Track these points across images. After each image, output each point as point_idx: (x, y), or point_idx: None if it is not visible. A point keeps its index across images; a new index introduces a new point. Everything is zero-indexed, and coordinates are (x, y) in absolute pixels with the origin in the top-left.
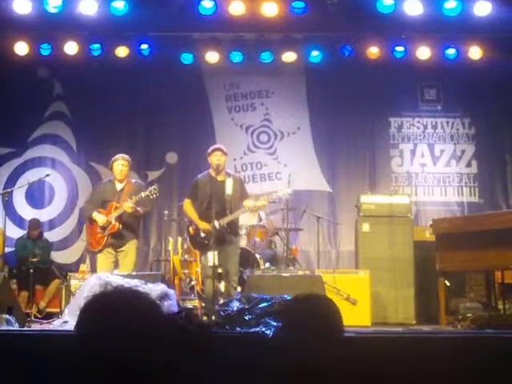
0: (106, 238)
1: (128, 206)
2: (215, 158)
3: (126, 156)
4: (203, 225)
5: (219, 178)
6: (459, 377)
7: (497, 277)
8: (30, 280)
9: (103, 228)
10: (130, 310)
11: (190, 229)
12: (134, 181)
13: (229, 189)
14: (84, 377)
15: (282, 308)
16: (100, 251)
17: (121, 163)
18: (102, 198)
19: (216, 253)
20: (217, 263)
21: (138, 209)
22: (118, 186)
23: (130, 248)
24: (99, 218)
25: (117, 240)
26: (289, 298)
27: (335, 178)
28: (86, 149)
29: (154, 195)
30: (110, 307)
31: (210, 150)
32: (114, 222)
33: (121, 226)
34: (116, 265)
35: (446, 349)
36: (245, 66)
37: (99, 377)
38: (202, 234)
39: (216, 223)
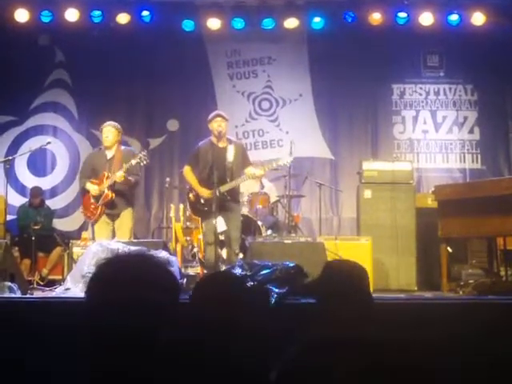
0: (100, 208)
1: (119, 175)
2: (216, 125)
3: (113, 123)
4: (203, 191)
5: (220, 145)
6: (461, 342)
7: (499, 243)
8: (32, 247)
9: (96, 198)
10: (144, 276)
11: (190, 195)
12: (123, 147)
13: (230, 156)
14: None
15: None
16: (96, 221)
17: (107, 130)
18: (93, 167)
19: (221, 218)
20: (222, 229)
21: (130, 178)
22: (109, 154)
23: (126, 216)
24: (92, 188)
25: (111, 209)
26: (291, 264)
27: (337, 144)
28: (88, 116)
29: (144, 161)
30: (121, 273)
31: (210, 117)
32: (106, 191)
33: (113, 194)
34: (114, 233)
35: (447, 315)
36: (246, 32)
37: (110, 349)
38: (202, 201)
39: (217, 190)
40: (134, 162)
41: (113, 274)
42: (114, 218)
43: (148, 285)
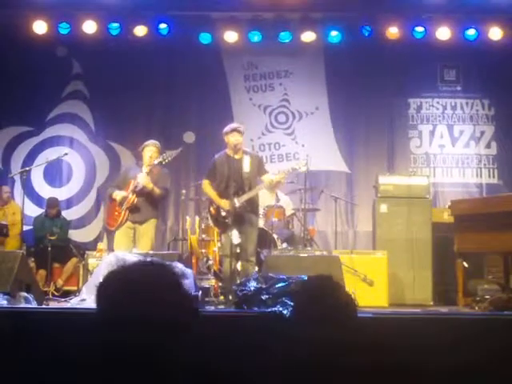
0: (123, 213)
1: (143, 178)
2: (233, 139)
3: (157, 143)
4: (224, 203)
5: (237, 157)
6: (476, 358)
7: None
8: (47, 258)
9: (121, 204)
10: (154, 287)
11: (211, 208)
12: (161, 167)
13: (246, 166)
14: (105, 363)
15: (295, 289)
16: (118, 227)
17: (152, 150)
18: (127, 179)
19: (236, 231)
20: (237, 241)
21: (155, 188)
22: (144, 170)
23: (149, 227)
24: (119, 193)
25: (135, 214)
26: (306, 278)
27: (353, 158)
28: (104, 128)
29: (167, 160)
30: (130, 284)
31: (227, 130)
32: (130, 195)
33: (136, 198)
34: (134, 243)
35: (463, 330)
36: (263, 45)
37: (121, 364)
38: (223, 213)
39: (236, 201)
40: (156, 161)
41: (122, 287)
42: (136, 225)
43: (159, 301)
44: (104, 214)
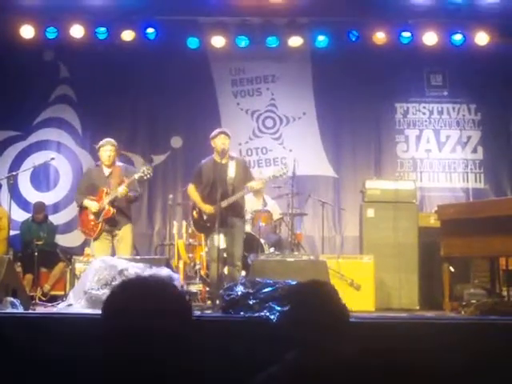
0: (100, 225)
1: (121, 190)
2: (220, 142)
3: (113, 140)
4: (206, 207)
5: (223, 162)
6: (462, 362)
7: (501, 263)
8: (34, 263)
9: (97, 214)
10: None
11: (194, 212)
12: (120, 164)
13: (231, 172)
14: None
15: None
16: (96, 238)
17: (108, 149)
18: (91, 183)
19: (222, 236)
20: (223, 246)
21: (130, 193)
22: (106, 171)
23: (126, 233)
24: (91, 204)
25: (111, 226)
26: (293, 282)
27: (340, 163)
28: (92, 132)
29: (148, 175)
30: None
31: (214, 134)
32: (107, 207)
33: (115, 210)
34: (113, 250)
35: (449, 334)
36: (251, 50)
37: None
38: (205, 217)
39: (221, 204)
40: (137, 176)
41: (127, 302)
42: (114, 234)
43: (162, 314)
44: (79, 223)
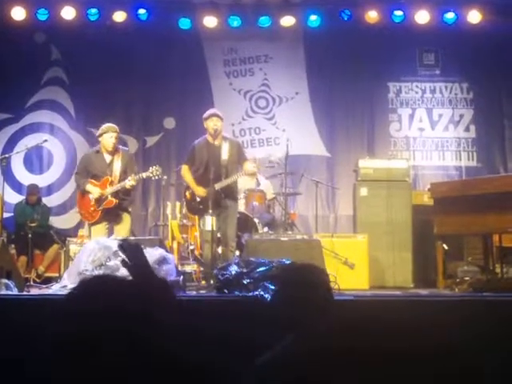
0: (100, 213)
1: (129, 184)
2: (212, 124)
3: (115, 126)
4: (198, 190)
5: (216, 143)
6: (456, 340)
7: (495, 240)
8: (28, 245)
9: (98, 201)
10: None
11: (187, 193)
12: (120, 147)
13: (225, 153)
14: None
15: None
16: (94, 224)
17: (113, 135)
18: (92, 170)
19: (214, 218)
20: (215, 228)
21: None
22: (107, 158)
23: (125, 220)
24: (94, 190)
25: (112, 216)
26: (287, 261)
27: (333, 142)
28: (84, 114)
29: (156, 176)
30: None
31: (206, 115)
32: (110, 197)
33: (117, 201)
34: (111, 233)
35: (443, 312)
36: (243, 30)
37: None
38: (198, 199)
39: (215, 186)
40: (145, 175)
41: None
42: (112, 222)
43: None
44: (77, 204)
